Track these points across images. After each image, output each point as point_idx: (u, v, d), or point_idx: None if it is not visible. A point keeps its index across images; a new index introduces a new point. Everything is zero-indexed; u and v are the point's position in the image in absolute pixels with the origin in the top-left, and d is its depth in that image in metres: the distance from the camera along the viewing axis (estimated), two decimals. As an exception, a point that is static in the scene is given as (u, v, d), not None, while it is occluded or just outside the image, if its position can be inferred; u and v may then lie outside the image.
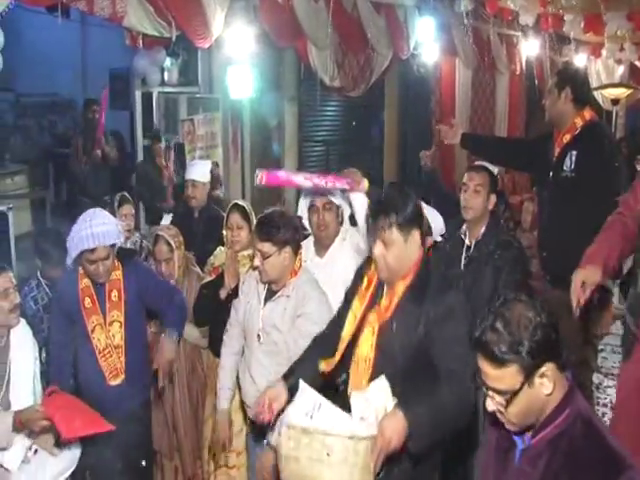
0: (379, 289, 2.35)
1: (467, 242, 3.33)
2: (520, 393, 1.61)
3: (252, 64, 5.50)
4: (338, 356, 2.34)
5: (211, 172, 4.86)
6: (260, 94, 6.09)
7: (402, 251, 2.25)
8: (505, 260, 3.18)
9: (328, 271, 3.18)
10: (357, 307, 2.36)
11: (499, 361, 1.59)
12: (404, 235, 2.24)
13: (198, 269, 3.77)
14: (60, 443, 2.72)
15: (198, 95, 6.56)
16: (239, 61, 5.37)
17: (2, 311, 2.73)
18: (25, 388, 2.79)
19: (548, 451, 1.65)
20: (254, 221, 3.34)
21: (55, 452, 2.71)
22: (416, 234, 2.28)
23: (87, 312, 3.09)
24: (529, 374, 1.60)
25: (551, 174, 3.58)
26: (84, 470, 3.02)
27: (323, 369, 2.37)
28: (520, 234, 5.28)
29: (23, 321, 2.90)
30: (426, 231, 3.18)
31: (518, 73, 8.70)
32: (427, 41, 6.70)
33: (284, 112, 7.19)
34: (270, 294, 2.93)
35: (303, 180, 3.22)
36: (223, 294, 3.33)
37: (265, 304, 2.93)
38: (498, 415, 1.68)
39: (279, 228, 2.78)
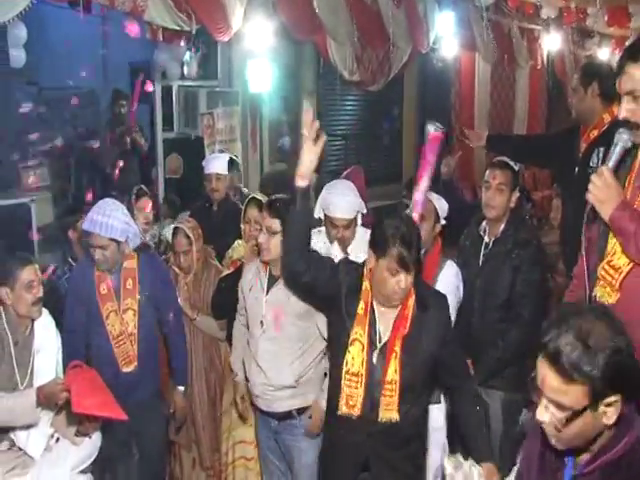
0: (371, 313, 2.53)
1: (486, 239, 3.31)
2: (581, 416, 1.49)
3: (271, 58, 5.57)
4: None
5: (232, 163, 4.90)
6: (279, 88, 6.14)
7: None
8: (522, 259, 3.16)
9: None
10: (360, 334, 2.50)
11: (568, 375, 1.47)
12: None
13: (217, 262, 3.82)
14: (81, 432, 2.78)
15: (217, 89, 6.56)
16: (258, 55, 5.44)
17: (25, 303, 2.81)
18: (48, 376, 2.85)
19: (601, 477, 1.56)
20: None
21: (77, 441, 2.78)
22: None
23: (102, 298, 3.18)
24: (596, 400, 1.48)
25: (577, 170, 3.53)
26: (103, 458, 3.07)
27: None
28: (548, 231, 5.24)
29: (46, 312, 2.96)
30: (435, 218, 3.30)
31: (539, 67, 8.64)
32: (447, 35, 6.73)
33: (303, 106, 7.21)
34: (272, 281, 3.00)
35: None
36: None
37: (268, 291, 2.99)
38: (546, 427, 1.57)
39: (289, 208, 2.80)
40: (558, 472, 1.66)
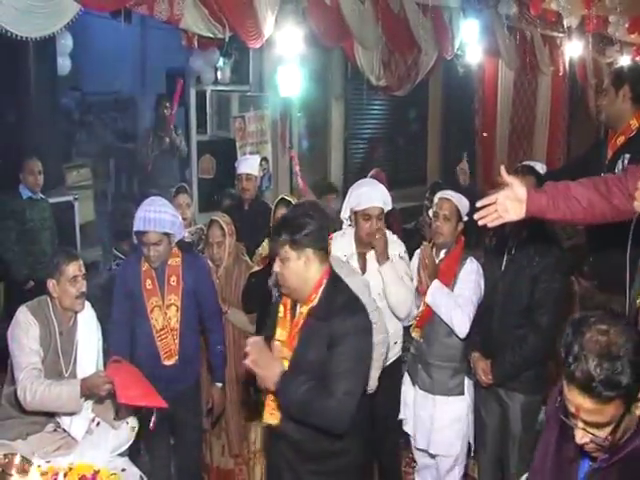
0: (294, 310, 2.45)
1: (510, 242, 3.23)
2: (621, 424, 1.50)
3: (301, 64, 5.66)
4: None
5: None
6: (308, 92, 6.23)
7: (298, 269, 2.34)
8: (542, 268, 3.08)
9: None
10: (282, 334, 2.44)
11: (603, 397, 1.45)
12: (297, 253, 2.32)
13: (247, 258, 3.92)
14: (119, 417, 2.93)
15: (249, 93, 6.74)
16: (288, 61, 5.55)
17: (69, 296, 2.90)
18: (90, 365, 2.99)
19: (619, 470, 1.57)
20: None
21: (115, 424, 2.92)
22: (310, 254, 2.34)
23: (147, 293, 3.26)
24: (630, 402, 1.49)
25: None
26: (139, 444, 3.25)
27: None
28: (576, 233, 5.13)
29: (88, 305, 3.08)
30: (457, 217, 3.33)
31: (561, 74, 8.66)
32: (471, 42, 6.82)
33: (331, 110, 7.39)
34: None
35: None
36: (271, 283, 3.44)
37: None
38: (589, 447, 1.55)
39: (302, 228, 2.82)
40: (574, 463, 1.67)
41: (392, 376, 3.37)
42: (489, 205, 2.26)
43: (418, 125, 8.65)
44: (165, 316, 3.26)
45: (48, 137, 5.49)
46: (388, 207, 3.41)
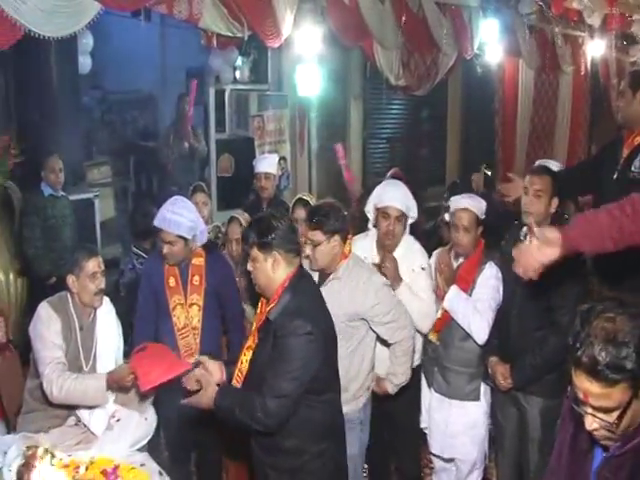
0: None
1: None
2: (629, 408, 1.51)
3: (319, 63, 5.68)
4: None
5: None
6: (327, 92, 6.24)
7: (264, 269, 2.45)
8: (561, 269, 2.92)
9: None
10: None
11: (609, 380, 1.48)
12: (264, 255, 2.43)
13: None
14: (142, 399, 2.96)
15: (268, 92, 6.78)
16: (307, 60, 5.56)
17: (88, 292, 2.92)
18: (109, 360, 3.02)
19: (632, 459, 1.58)
20: None
21: (141, 409, 2.95)
22: (278, 256, 2.43)
23: (170, 291, 3.29)
24: (637, 388, 1.50)
25: (616, 175, 3.46)
26: (159, 439, 3.27)
27: None
28: None
29: (107, 300, 3.11)
30: (477, 224, 3.28)
31: (583, 73, 8.58)
32: (491, 42, 6.77)
33: (349, 109, 7.39)
34: (322, 279, 3.00)
35: None
36: None
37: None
38: (599, 434, 1.57)
39: (329, 218, 2.90)
40: (588, 454, 1.69)
41: (412, 381, 3.33)
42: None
43: (437, 125, 8.64)
44: (187, 315, 3.28)
45: (70, 135, 5.54)
46: (411, 213, 3.34)
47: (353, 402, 3.04)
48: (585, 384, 1.52)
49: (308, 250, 2.92)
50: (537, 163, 4.76)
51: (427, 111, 8.38)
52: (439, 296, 3.31)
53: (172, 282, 3.30)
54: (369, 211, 3.42)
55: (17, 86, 5.57)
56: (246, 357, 2.61)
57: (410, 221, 3.39)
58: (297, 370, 2.39)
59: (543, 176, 3.18)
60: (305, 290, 2.53)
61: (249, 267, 2.51)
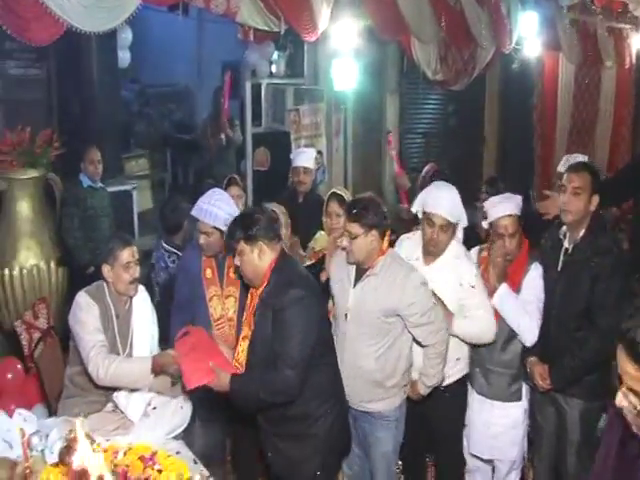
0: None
1: (566, 244, 3.13)
2: None
3: (356, 57, 5.67)
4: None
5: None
6: (363, 86, 6.24)
7: (252, 260, 2.67)
8: (602, 268, 2.97)
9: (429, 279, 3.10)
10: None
11: None
12: (251, 247, 2.66)
13: (302, 252, 3.91)
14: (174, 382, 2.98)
15: (304, 86, 6.78)
16: (343, 54, 5.56)
17: (123, 281, 2.96)
18: (145, 347, 3.07)
19: None
20: None
21: (174, 393, 2.96)
22: (262, 245, 2.66)
23: (207, 282, 3.30)
24: None
25: None
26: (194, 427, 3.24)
27: None
28: None
29: (142, 288, 3.16)
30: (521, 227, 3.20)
31: (627, 67, 8.38)
32: (530, 35, 6.67)
33: (386, 104, 7.36)
34: (359, 275, 2.98)
35: None
36: (323, 277, 3.48)
37: (355, 284, 2.97)
38: (627, 413, 1.60)
39: (368, 211, 2.88)
40: (637, 460, 1.69)
41: (458, 392, 3.30)
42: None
43: (474, 120, 8.54)
44: (223, 306, 3.29)
45: (109, 128, 5.64)
46: (461, 222, 3.21)
47: (388, 400, 3.02)
48: (622, 359, 1.56)
49: (345, 242, 2.92)
50: (565, 158, 4.71)
51: (464, 106, 8.28)
52: (489, 293, 3.21)
53: (209, 273, 3.31)
54: (418, 211, 3.29)
55: (59, 80, 5.69)
56: (242, 347, 2.76)
57: (460, 227, 3.24)
58: (303, 336, 2.60)
59: (581, 173, 3.08)
60: (290, 265, 2.77)
61: (236, 261, 2.71)
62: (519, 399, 3.29)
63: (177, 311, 3.39)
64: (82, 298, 2.96)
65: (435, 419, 3.31)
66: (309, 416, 2.72)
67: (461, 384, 3.31)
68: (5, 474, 2.26)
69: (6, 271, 5.01)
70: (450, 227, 3.12)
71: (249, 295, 2.82)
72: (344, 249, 2.96)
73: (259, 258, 2.67)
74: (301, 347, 2.60)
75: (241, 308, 3.28)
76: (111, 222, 5.20)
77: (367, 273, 2.95)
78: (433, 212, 3.09)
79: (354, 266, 3.00)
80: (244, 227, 2.67)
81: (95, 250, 4.90)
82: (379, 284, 2.92)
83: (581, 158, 4.46)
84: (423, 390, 3.08)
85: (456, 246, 3.19)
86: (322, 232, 3.85)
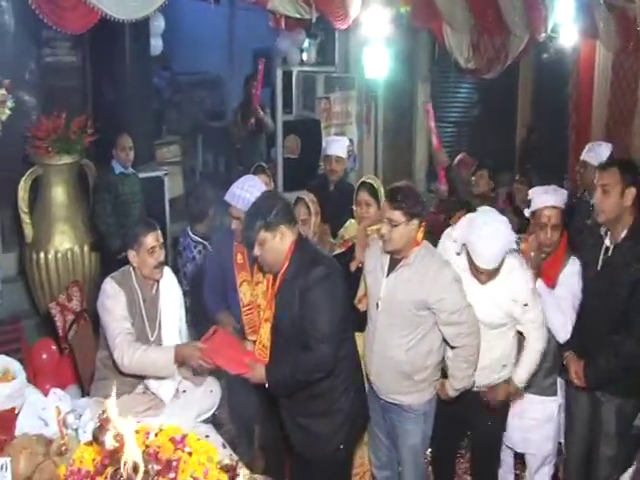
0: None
1: (607, 242, 3.03)
2: None
3: (387, 45, 5.61)
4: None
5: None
6: (394, 74, 6.18)
7: (274, 246, 2.72)
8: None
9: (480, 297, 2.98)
10: (263, 304, 2.92)
11: None
12: (272, 233, 2.69)
13: (332, 240, 3.90)
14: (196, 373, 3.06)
15: (334, 74, 6.79)
16: (375, 42, 5.48)
17: (148, 266, 2.99)
18: (173, 328, 3.12)
19: None
20: (382, 198, 3.45)
21: (197, 382, 3.05)
22: (284, 229, 2.71)
23: (238, 267, 3.34)
24: None
25: None
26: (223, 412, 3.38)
27: None
28: None
29: (168, 269, 3.19)
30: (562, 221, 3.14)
31: (669, 55, 8.18)
32: (566, 22, 6.52)
33: (417, 92, 7.32)
34: (392, 265, 2.95)
35: None
36: (353, 266, 3.45)
37: (388, 275, 2.95)
38: None
39: (410, 199, 2.85)
40: None
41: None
42: None
43: (506, 109, 8.44)
44: (252, 292, 3.31)
45: (141, 115, 5.68)
46: (511, 250, 2.91)
47: (417, 394, 3.00)
48: None
49: (385, 229, 2.89)
50: (587, 146, 4.64)
51: (496, 95, 8.18)
52: None
53: (240, 259, 3.34)
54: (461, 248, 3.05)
55: (93, 67, 5.75)
56: (265, 330, 2.82)
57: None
58: (331, 312, 2.68)
59: (609, 169, 2.98)
60: (308, 245, 2.85)
61: (256, 252, 2.73)
62: (554, 393, 3.26)
63: (211, 294, 3.45)
64: (108, 285, 3.00)
65: (474, 422, 3.25)
66: (335, 390, 2.79)
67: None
68: (41, 450, 2.32)
69: (41, 254, 5.13)
70: (500, 265, 2.91)
71: (266, 282, 2.86)
72: (382, 237, 2.93)
73: (281, 242, 2.71)
74: (331, 323, 2.68)
75: None
76: (142, 208, 5.26)
77: (401, 263, 2.91)
78: (477, 264, 2.89)
79: (388, 256, 2.97)
80: (264, 215, 2.70)
81: (126, 236, 4.98)
82: (412, 275, 2.88)
83: (604, 146, 4.42)
84: (452, 392, 3.02)
85: (509, 259, 2.93)
86: (352, 220, 3.83)
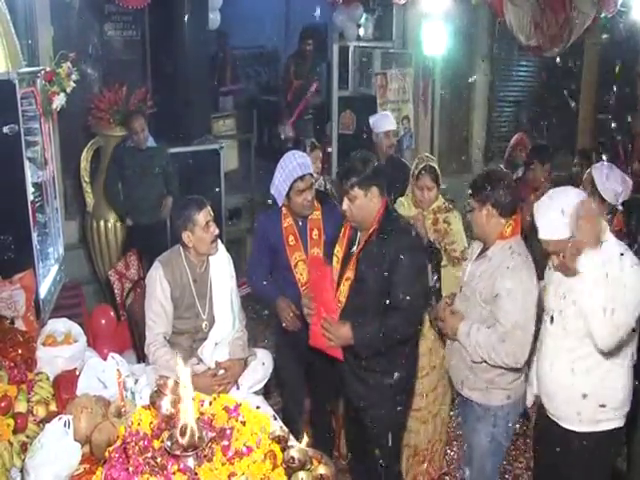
0: (354, 236, 2.91)
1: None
2: None
3: (446, 21, 5.58)
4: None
5: None
6: (453, 51, 6.13)
7: (364, 203, 2.79)
8: None
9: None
10: (338, 251, 2.95)
11: None
12: (364, 191, 2.77)
13: None
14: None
15: (392, 50, 6.70)
16: (433, 17, 5.48)
17: (205, 242, 2.96)
18: (225, 302, 3.08)
19: None
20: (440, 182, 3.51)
21: (249, 355, 3.11)
22: (375, 190, 2.78)
23: (290, 249, 3.29)
24: None
25: None
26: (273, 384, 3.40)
27: None
28: None
29: (219, 243, 3.11)
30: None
31: None
32: (638, -3, 6.29)
33: (476, 70, 7.18)
34: (480, 253, 2.85)
35: None
36: None
37: (475, 261, 2.86)
38: None
39: (485, 188, 2.70)
40: None
41: (596, 447, 2.81)
42: None
43: (569, 89, 8.16)
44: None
45: (198, 88, 5.73)
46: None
47: (478, 392, 2.86)
48: None
49: (469, 216, 2.85)
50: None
51: (560, 74, 7.91)
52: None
53: (292, 240, 3.30)
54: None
55: (152, 41, 5.83)
56: (345, 287, 2.87)
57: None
58: (419, 278, 2.84)
59: None
60: (396, 215, 2.95)
61: (345, 206, 2.82)
62: None
63: (259, 279, 3.42)
64: (155, 271, 3.00)
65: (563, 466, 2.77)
66: (395, 363, 2.88)
67: (604, 438, 2.64)
68: (100, 411, 2.40)
69: (101, 223, 5.29)
70: (565, 243, 2.49)
71: (348, 241, 2.92)
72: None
73: (370, 200, 2.78)
74: (421, 288, 2.84)
75: None
76: (158, 182, 5.09)
77: (484, 254, 2.81)
78: (540, 237, 2.59)
79: (480, 245, 2.88)
80: (357, 173, 2.78)
81: (150, 210, 5.02)
82: (487, 268, 2.76)
83: None
84: (459, 331, 2.82)
85: (607, 244, 2.48)
86: (402, 199, 3.75)
